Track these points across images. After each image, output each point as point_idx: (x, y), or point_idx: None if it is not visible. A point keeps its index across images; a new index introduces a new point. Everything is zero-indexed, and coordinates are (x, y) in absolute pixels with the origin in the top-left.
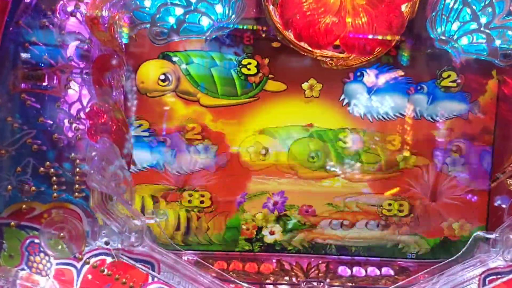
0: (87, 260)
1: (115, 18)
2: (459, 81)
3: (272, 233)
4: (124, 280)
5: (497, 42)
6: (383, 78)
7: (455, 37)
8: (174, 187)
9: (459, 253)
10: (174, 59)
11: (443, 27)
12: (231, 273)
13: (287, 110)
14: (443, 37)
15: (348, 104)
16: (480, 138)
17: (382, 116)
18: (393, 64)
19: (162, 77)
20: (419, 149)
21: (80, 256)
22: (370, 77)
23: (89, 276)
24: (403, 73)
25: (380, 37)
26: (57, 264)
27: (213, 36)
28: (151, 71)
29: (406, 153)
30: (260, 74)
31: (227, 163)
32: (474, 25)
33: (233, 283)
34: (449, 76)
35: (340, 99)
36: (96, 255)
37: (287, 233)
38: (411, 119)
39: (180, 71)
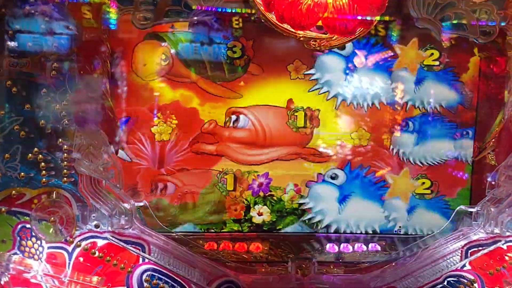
0: (78, 243)
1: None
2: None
3: (260, 214)
4: (115, 262)
5: (477, 20)
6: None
7: (436, 16)
8: None
9: (443, 227)
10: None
11: (424, 7)
12: (221, 253)
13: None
14: (424, 16)
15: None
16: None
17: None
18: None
19: (163, 56)
20: None
21: (71, 239)
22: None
23: (81, 259)
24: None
25: (360, 17)
26: (48, 248)
27: (196, 20)
28: (149, 53)
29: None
30: (245, 57)
31: None
32: (454, 4)
33: (223, 263)
34: (432, 54)
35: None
36: (86, 238)
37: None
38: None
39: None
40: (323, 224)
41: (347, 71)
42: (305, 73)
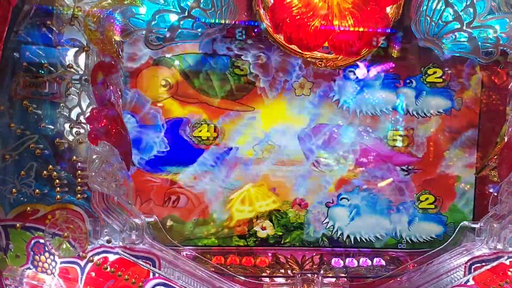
0: (91, 258)
1: (110, 25)
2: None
3: (263, 228)
4: (126, 276)
5: (479, 41)
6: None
7: (439, 36)
8: None
9: (446, 242)
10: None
11: (427, 27)
12: (228, 267)
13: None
14: (427, 37)
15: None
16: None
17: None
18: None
19: (163, 82)
20: None
21: (84, 254)
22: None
23: (93, 274)
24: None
25: (366, 39)
26: (61, 262)
27: (206, 41)
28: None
29: None
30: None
31: None
32: (456, 25)
33: (230, 277)
34: (434, 72)
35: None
36: (98, 253)
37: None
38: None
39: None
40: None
41: None
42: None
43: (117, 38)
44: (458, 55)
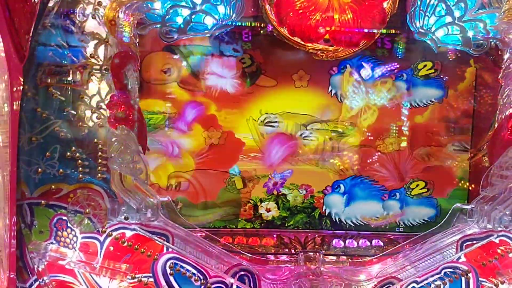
0: (110, 232)
1: (130, 19)
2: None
3: (268, 210)
4: (142, 249)
5: (470, 34)
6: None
7: (433, 29)
8: None
9: (440, 223)
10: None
11: (421, 21)
12: (236, 246)
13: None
14: (421, 30)
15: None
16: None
17: None
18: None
19: (165, 68)
20: None
21: (103, 229)
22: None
23: (111, 248)
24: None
25: (364, 31)
26: (82, 237)
27: (217, 34)
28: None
29: None
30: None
31: None
32: (449, 19)
33: (238, 254)
34: (424, 66)
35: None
36: (117, 229)
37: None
38: None
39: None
40: None
41: None
42: None
43: (127, 30)
44: (450, 47)
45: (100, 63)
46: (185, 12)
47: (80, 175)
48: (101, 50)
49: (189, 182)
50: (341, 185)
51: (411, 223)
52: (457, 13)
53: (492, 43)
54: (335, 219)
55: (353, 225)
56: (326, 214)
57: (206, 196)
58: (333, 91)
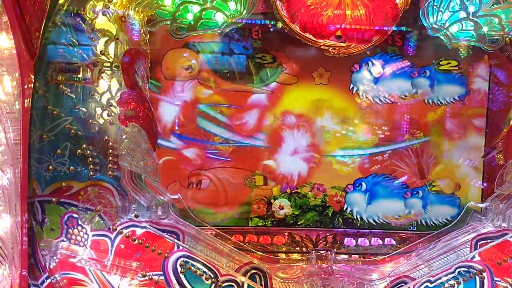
0: (120, 230)
1: (140, 16)
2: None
3: (281, 207)
4: (153, 247)
5: (485, 29)
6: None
7: (446, 25)
8: None
9: (454, 222)
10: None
11: (435, 17)
12: (246, 244)
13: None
14: (435, 26)
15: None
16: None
17: None
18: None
19: (186, 65)
20: None
21: (114, 227)
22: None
23: (122, 246)
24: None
25: (377, 27)
26: (93, 235)
27: (227, 30)
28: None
29: None
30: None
31: None
32: (463, 14)
33: (249, 252)
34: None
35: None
36: (127, 227)
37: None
38: None
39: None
40: None
41: None
42: None
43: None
44: (464, 43)
45: (110, 60)
46: (196, 8)
47: (91, 173)
48: (111, 47)
49: (210, 180)
50: (363, 183)
51: (433, 222)
52: (471, 8)
53: (507, 38)
54: (356, 217)
55: (374, 223)
56: (347, 212)
57: (227, 194)
58: (355, 88)
